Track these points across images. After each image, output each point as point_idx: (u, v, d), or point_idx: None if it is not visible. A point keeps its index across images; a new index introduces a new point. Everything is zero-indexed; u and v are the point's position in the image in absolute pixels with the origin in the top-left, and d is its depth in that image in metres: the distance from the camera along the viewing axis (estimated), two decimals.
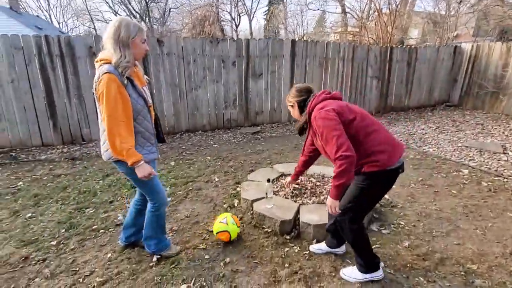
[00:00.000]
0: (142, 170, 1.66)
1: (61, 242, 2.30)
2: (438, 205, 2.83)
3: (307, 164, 2.23)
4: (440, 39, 12.55)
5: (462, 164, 3.92)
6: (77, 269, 2.00)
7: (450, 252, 2.14)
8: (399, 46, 7.57)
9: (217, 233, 2.20)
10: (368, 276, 1.81)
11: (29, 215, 2.72)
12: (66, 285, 1.86)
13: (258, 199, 2.64)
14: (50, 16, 27.31)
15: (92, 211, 2.77)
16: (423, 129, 5.84)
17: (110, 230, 2.46)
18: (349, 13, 14.62)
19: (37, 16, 23.76)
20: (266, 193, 2.46)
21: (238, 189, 3.14)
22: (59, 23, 27.36)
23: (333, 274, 1.92)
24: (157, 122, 1.93)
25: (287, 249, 2.16)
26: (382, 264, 1.89)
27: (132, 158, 1.61)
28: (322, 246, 2.11)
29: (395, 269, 1.96)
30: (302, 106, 1.76)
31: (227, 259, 2.06)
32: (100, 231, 2.45)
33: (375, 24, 11.36)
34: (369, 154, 1.58)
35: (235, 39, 5.76)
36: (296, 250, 2.15)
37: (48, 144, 4.98)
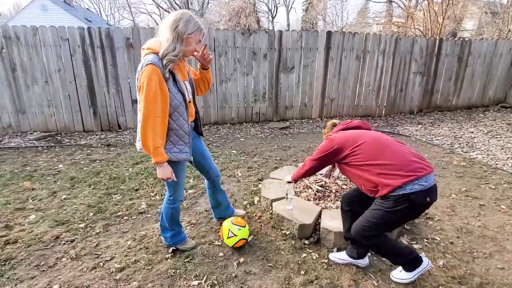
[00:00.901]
0: (162, 172, 1.67)
1: (89, 225, 2.43)
2: (482, 221, 2.50)
3: None
4: (499, 31, 11.13)
5: None
6: (100, 253, 2.10)
7: (491, 277, 1.87)
8: (450, 39, 6.83)
9: (233, 246, 2.09)
10: (416, 272, 1.76)
11: (64, 196, 2.92)
12: (88, 268, 1.95)
13: (278, 198, 2.55)
14: (99, 9, 29.32)
15: (119, 197, 2.89)
16: (472, 132, 5.24)
17: (133, 217, 2.55)
18: (394, 1, 13.57)
19: (88, 9, 25.56)
20: (286, 194, 2.35)
21: (260, 186, 3.07)
22: (107, 16, 29.24)
23: None
24: (197, 116, 1.94)
25: (304, 255, 2.05)
26: (423, 253, 1.84)
27: (157, 158, 1.62)
28: (343, 256, 1.97)
29: None
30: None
31: (241, 259, 2.01)
32: (124, 217, 2.54)
33: (424, 14, 10.39)
34: (379, 176, 1.59)
35: (268, 30, 5.61)
36: (314, 257, 2.03)
37: (89, 130, 5.34)
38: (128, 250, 2.11)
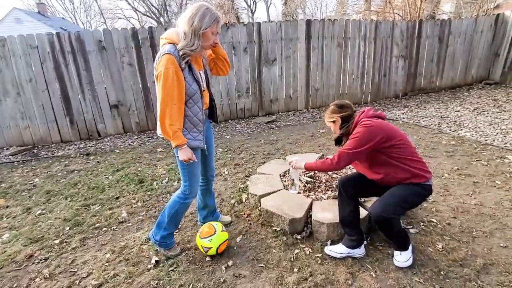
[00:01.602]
0: (184, 153, 1.70)
1: (64, 241, 2.24)
2: (478, 199, 2.43)
3: None
4: (479, 8, 11.23)
5: (507, 149, 3.40)
6: (76, 270, 1.92)
7: (495, 256, 1.78)
8: (429, 20, 6.81)
9: (217, 253, 1.91)
10: (409, 250, 1.77)
11: (39, 212, 2.71)
12: (62, 287, 1.77)
13: (266, 194, 2.42)
14: (75, 17, 28.43)
15: (97, 208, 2.70)
16: (458, 111, 5.23)
17: (112, 228, 2.37)
18: None
19: (63, 18, 24.78)
20: (293, 180, 2.26)
21: (247, 182, 2.93)
22: (83, 24, 28.40)
23: (350, 282, 1.66)
24: (212, 103, 1.97)
25: (297, 251, 1.93)
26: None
27: (177, 141, 1.66)
28: (339, 249, 1.85)
29: (425, 278, 1.65)
30: (345, 120, 1.81)
31: (230, 262, 1.87)
32: (103, 229, 2.36)
33: None
34: (417, 169, 1.71)
35: (246, 23, 5.45)
36: (308, 252, 1.91)
37: (67, 140, 5.07)
38: (106, 264, 1.94)
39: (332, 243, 1.97)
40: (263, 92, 5.87)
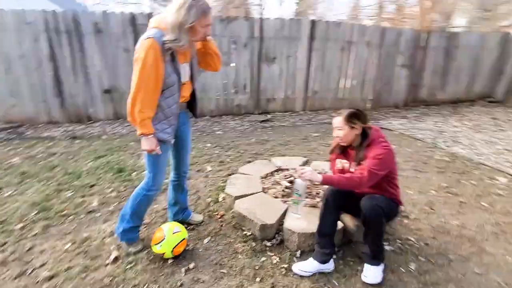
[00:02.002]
0: (148, 143, 1.62)
1: (27, 226, 2.15)
2: (461, 220, 2.33)
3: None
4: (490, 28, 11.04)
5: (499, 170, 3.29)
6: (30, 258, 1.83)
7: (467, 283, 1.69)
8: (437, 30, 6.67)
9: (175, 256, 1.80)
10: (381, 267, 1.70)
11: (9, 193, 2.63)
12: (11, 276, 1.69)
13: (243, 195, 2.32)
14: None
15: (69, 194, 2.61)
16: (456, 126, 5.11)
17: (80, 217, 2.28)
18: None
19: None
20: (298, 193, 1.80)
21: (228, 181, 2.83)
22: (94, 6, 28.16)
23: None
24: (194, 98, 1.87)
25: (263, 258, 1.83)
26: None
27: (143, 129, 1.58)
28: (308, 266, 1.72)
29: None
30: (364, 132, 1.73)
31: (192, 265, 1.78)
32: (70, 217, 2.27)
33: (412, 7, 10.24)
34: (398, 194, 1.80)
35: (248, 18, 5.32)
36: (274, 262, 1.81)
37: (56, 122, 4.98)
38: (64, 255, 1.86)
39: (302, 254, 1.88)
40: (260, 90, 5.76)
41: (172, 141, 1.76)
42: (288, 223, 1.96)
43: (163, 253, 1.77)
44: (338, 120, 1.75)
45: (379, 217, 1.63)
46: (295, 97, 6.00)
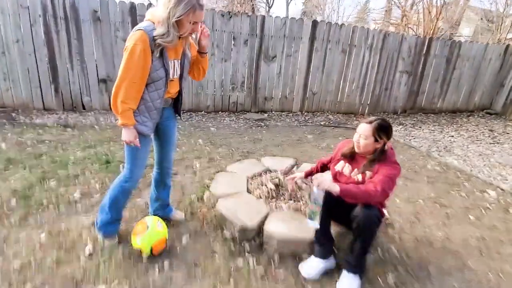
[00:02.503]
0: (127, 134, 1.60)
1: (4, 213, 2.12)
2: (446, 232, 2.30)
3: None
4: (494, 39, 10.98)
5: (490, 183, 3.26)
6: (4, 248, 1.80)
7: None
8: (440, 39, 6.61)
9: (154, 254, 1.75)
10: (358, 278, 1.68)
11: None
12: None
13: (226, 195, 2.30)
14: None
15: (53, 184, 2.57)
16: (452, 136, 5.08)
17: (60, 207, 2.25)
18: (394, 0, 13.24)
19: None
20: (319, 203, 1.68)
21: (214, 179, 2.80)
22: None
23: None
24: (178, 97, 1.85)
25: (240, 261, 1.80)
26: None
27: (124, 120, 1.56)
28: (313, 267, 1.74)
29: None
30: (383, 147, 1.71)
31: (166, 263, 1.75)
32: (50, 207, 2.24)
33: (418, 12, 10.17)
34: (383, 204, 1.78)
35: (250, 14, 5.26)
36: (251, 265, 1.78)
37: (50, 109, 4.93)
38: (38, 245, 1.82)
39: (280, 258, 1.84)
40: (258, 88, 5.71)
41: (151, 135, 1.74)
42: (269, 226, 1.93)
43: (141, 249, 1.73)
44: (365, 128, 1.68)
45: (374, 227, 1.64)
46: (293, 97, 5.95)
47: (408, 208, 2.62)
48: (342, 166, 1.83)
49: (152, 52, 1.51)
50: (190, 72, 1.88)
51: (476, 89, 6.95)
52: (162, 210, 2.11)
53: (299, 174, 2.05)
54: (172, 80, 1.69)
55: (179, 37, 1.57)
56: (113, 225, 1.87)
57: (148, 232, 1.72)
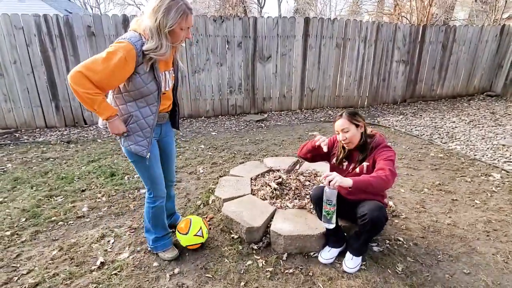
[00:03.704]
0: (113, 127, 1.50)
1: (16, 233, 2.16)
2: (453, 218, 2.30)
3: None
4: (489, 20, 10.88)
5: (494, 166, 3.25)
6: (18, 265, 1.84)
7: (455, 284, 1.66)
8: (434, 25, 6.59)
9: (187, 246, 1.90)
10: (361, 257, 1.80)
11: (0, 200, 2.64)
12: None
13: (231, 198, 2.31)
14: (84, 1, 28.15)
15: (60, 200, 2.62)
16: (454, 122, 5.06)
17: (69, 222, 2.28)
18: None
19: (70, 0, 24.56)
20: (332, 203, 1.60)
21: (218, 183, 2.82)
22: (92, 8, 28.18)
23: None
24: (174, 108, 1.78)
25: (249, 262, 1.82)
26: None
27: (105, 112, 1.43)
28: (328, 254, 1.84)
29: None
30: (366, 131, 1.79)
31: (177, 269, 1.77)
32: (59, 223, 2.28)
33: (410, 1, 10.12)
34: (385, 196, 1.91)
35: (241, 17, 5.29)
36: (260, 265, 1.80)
37: (51, 126, 5.00)
38: (50, 261, 1.86)
39: (289, 256, 1.86)
40: (256, 89, 5.74)
41: (147, 155, 1.61)
42: (275, 226, 1.95)
43: (201, 236, 1.89)
44: (342, 122, 1.75)
45: (381, 226, 1.70)
46: (291, 95, 5.97)
47: (414, 197, 2.62)
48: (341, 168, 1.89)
49: (139, 65, 1.41)
50: None
51: (475, 73, 6.90)
52: (169, 219, 2.12)
53: (322, 139, 1.90)
54: (164, 93, 1.60)
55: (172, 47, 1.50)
56: (164, 239, 1.87)
57: (187, 236, 1.86)
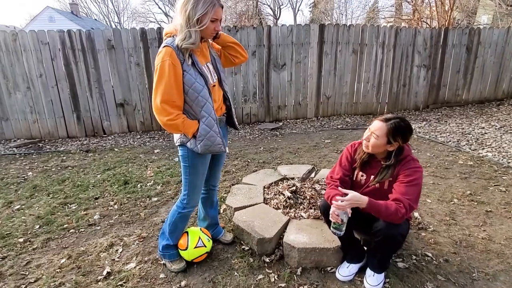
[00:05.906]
0: (191, 129, 1.51)
1: (28, 240, 2.16)
2: (488, 232, 2.06)
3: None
4: None
5: None
6: (27, 273, 1.82)
7: None
8: (456, 28, 6.30)
9: (193, 260, 1.79)
10: (383, 274, 1.64)
11: (18, 207, 2.69)
12: None
13: (243, 207, 2.21)
14: (109, 19, 29.91)
15: (74, 207, 2.63)
16: (483, 128, 4.71)
17: (80, 230, 2.27)
18: None
19: (95, 19, 26.13)
20: (344, 221, 1.48)
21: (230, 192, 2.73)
22: (115, 25, 29.82)
23: None
24: (228, 105, 1.72)
25: (260, 276, 1.70)
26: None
27: (191, 129, 1.49)
28: (348, 271, 1.68)
29: None
30: (399, 150, 1.55)
31: (184, 282, 1.68)
32: (71, 230, 2.27)
33: (430, 6, 9.84)
34: None
35: (255, 26, 5.31)
36: (272, 280, 1.67)
37: (73, 136, 5.17)
38: (58, 270, 1.83)
39: (303, 271, 1.72)
40: (270, 98, 5.68)
41: (226, 149, 1.63)
42: (288, 237, 1.82)
43: (203, 246, 1.80)
44: (379, 127, 1.50)
45: (397, 245, 1.58)
46: (307, 103, 5.85)
47: (442, 209, 2.39)
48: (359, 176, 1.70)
49: (183, 62, 1.44)
50: (232, 60, 1.73)
51: (503, 76, 6.49)
52: (211, 231, 2.01)
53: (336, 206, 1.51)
54: (214, 86, 1.59)
55: (201, 39, 1.49)
56: (173, 249, 1.80)
57: (188, 251, 1.77)
